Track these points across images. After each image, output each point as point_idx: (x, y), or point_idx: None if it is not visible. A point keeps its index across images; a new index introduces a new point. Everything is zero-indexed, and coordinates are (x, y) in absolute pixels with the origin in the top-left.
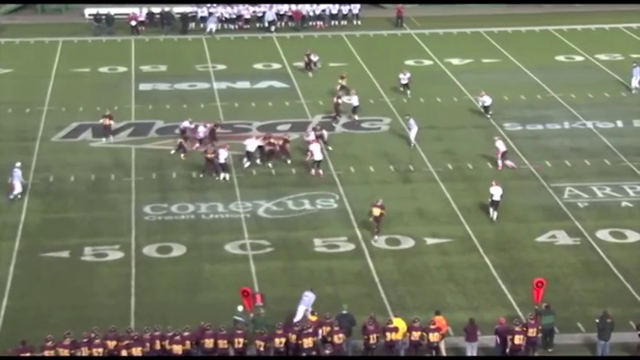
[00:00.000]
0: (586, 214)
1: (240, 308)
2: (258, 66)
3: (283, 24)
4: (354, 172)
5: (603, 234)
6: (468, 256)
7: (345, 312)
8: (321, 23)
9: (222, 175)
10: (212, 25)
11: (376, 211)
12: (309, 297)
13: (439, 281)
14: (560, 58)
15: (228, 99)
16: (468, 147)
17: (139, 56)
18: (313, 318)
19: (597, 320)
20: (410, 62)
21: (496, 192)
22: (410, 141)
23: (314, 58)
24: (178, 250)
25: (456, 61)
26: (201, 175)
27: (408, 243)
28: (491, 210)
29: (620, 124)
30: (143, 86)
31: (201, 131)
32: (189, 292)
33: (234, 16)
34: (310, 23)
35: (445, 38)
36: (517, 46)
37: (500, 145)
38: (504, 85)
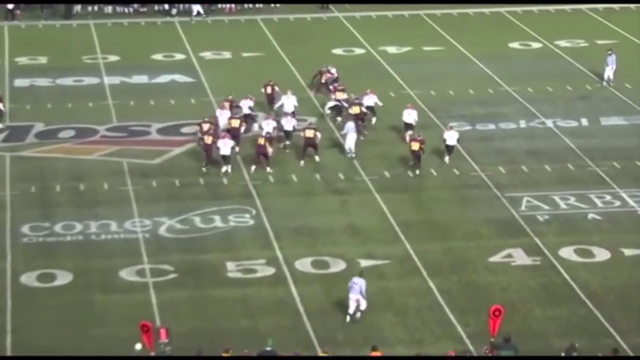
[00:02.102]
0: (547, 229)
1: (138, 347)
2: (158, 57)
3: (187, 6)
4: (274, 181)
5: (567, 252)
6: (410, 280)
7: (269, 348)
8: (232, 6)
9: (223, 168)
10: (198, 7)
11: (415, 145)
12: (358, 284)
13: (376, 310)
14: (515, 45)
15: (122, 96)
16: (407, 151)
17: (13, 46)
18: None
19: (563, 354)
20: (338, 51)
21: (450, 137)
22: (348, 150)
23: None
24: (63, 277)
25: (392, 50)
26: (205, 170)
27: (338, 265)
28: (446, 156)
29: (585, 122)
30: (19, 82)
31: (246, 105)
32: (77, 329)
33: None
34: (219, 6)
35: (379, 22)
36: (464, 32)
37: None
38: (450, 78)
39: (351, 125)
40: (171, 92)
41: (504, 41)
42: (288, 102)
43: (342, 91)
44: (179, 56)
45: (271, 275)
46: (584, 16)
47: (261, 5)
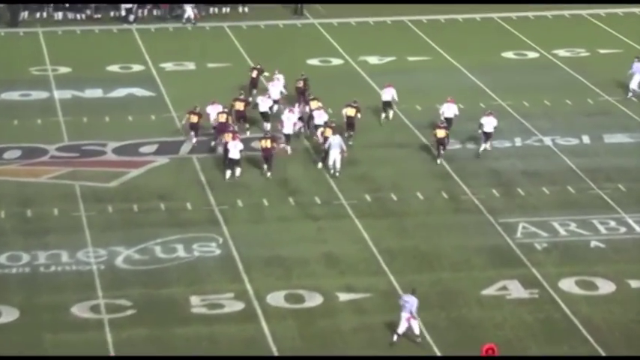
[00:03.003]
0: (545, 259)
1: None
2: (114, 68)
3: (146, 12)
4: (243, 206)
5: (568, 284)
6: (393, 315)
7: None
8: (196, 11)
9: (228, 173)
10: (189, 11)
11: (351, 111)
12: (410, 302)
13: (356, 349)
14: (509, 54)
15: (75, 112)
16: (390, 172)
17: None
18: None
19: None
20: (314, 62)
21: (488, 123)
22: (331, 167)
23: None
24: (9, 314)
25: (373, 60)
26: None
27: (314, 300)
28: (483, 144)
29: (586, 139)
30: None
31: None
32: None
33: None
34: (179, 10)
35: (359, 30)
36: (453, 40)
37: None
38: (437, 90)
39: (336, 140)
40: (129, 107)
41: (497, 50)
42: (274, 89)
43: (315, 100)
44: (137, 67)
45: (240, 311)
46: (584, 22)
47: (228, 10)
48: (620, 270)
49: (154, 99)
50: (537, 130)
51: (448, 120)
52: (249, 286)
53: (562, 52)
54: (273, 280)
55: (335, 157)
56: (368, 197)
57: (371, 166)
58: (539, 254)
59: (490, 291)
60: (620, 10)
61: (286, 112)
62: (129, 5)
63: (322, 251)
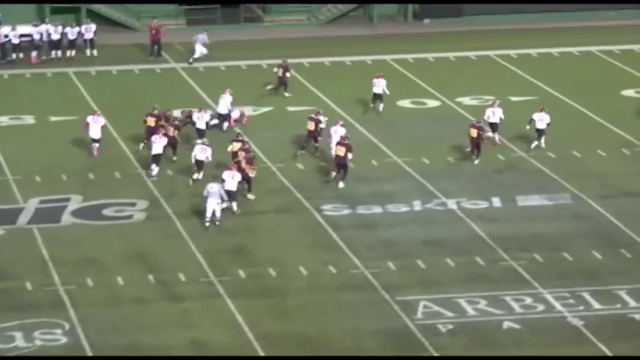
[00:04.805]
0: (451, 342)
1: None
2: None
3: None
4: (93, 285)
5: None
6: None
7: None
8: (35, 54)
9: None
10: (201, 48)
11: (474, 132)
12: (214, 188)
13: None
14: (405, 103)
15: None
16: (268, 242)
17: None
18: None
19: None
20: (176, 113)
21: (540, 119)
22: (208, 218)
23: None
24: None
25: (249, 111)
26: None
27: None
28: (535, 142)
29: (497, 202)
30: None
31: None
32: None
33: None
34: (14, 55)
35: (230, 74)
36: (336, 83)
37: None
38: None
39: (214, 188)
40: None
41: (392, 98)
42: (222, 102)
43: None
44: None
45: None
46: (492, 64)
47: (73, 53)
48: (537, 354)
49: None
50: (439, 191)
51: (493, 125)
52: None
53: (467, 100)
54: None
55: (213, 206)
56: (242, 273)
57: (245, 235)
58: (444, 337)
59: None
60: (533, 50)
61: (196, 112)
62: None
63: (188, 337)
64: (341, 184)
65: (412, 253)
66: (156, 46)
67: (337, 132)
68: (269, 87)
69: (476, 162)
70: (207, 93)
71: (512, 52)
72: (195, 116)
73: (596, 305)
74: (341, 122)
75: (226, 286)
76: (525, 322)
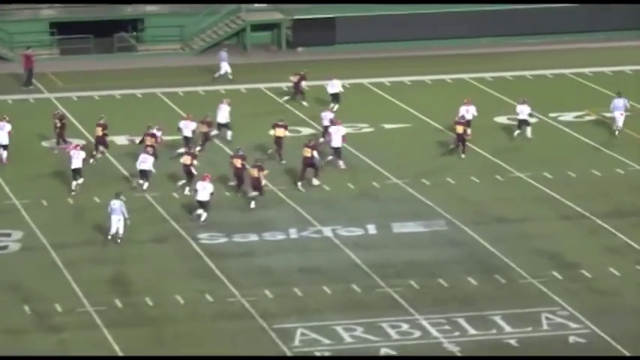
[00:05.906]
0: None
1: None
2: None
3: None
4: None
5: None
6: None
7: None
8: None
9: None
10: (226, 66)
11: (460, 129)
12: (116, 205)
13: None
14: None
15: None
16: (145, 271)
17: None
18: None
19: None
20: (46, 144)
21: (522, 110)
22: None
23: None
24: None
25: (120, 140)
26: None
27: None
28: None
29: (372, 229)
30: None
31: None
32: None
33: None
34: None
35: (104, 103)
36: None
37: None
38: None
39: (116, 205)
40: None
41: (266, 127)
42: (222, 113)
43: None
44: None
45: None
46: (367, 92)
47: None
48: None
49: None
50: (315, 219)
51: (468, 122)
52: None
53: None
54: None
55: (116, 224)
56: (119, 302)
57: (122, 265)
58: None
59: None
60: (406, 78)
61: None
62: None
63: None
64: (315, 182)
65: (289, 280)
66: (28, 74)
67: (339, 131)
68: (285, 98)
69: (462, 156)
70: (80, 123)
71: (385, 80)
72: (182, 124)
73: (472, 331)
74: (339, 121)
75: (103, 315)
76: (402, 348)
